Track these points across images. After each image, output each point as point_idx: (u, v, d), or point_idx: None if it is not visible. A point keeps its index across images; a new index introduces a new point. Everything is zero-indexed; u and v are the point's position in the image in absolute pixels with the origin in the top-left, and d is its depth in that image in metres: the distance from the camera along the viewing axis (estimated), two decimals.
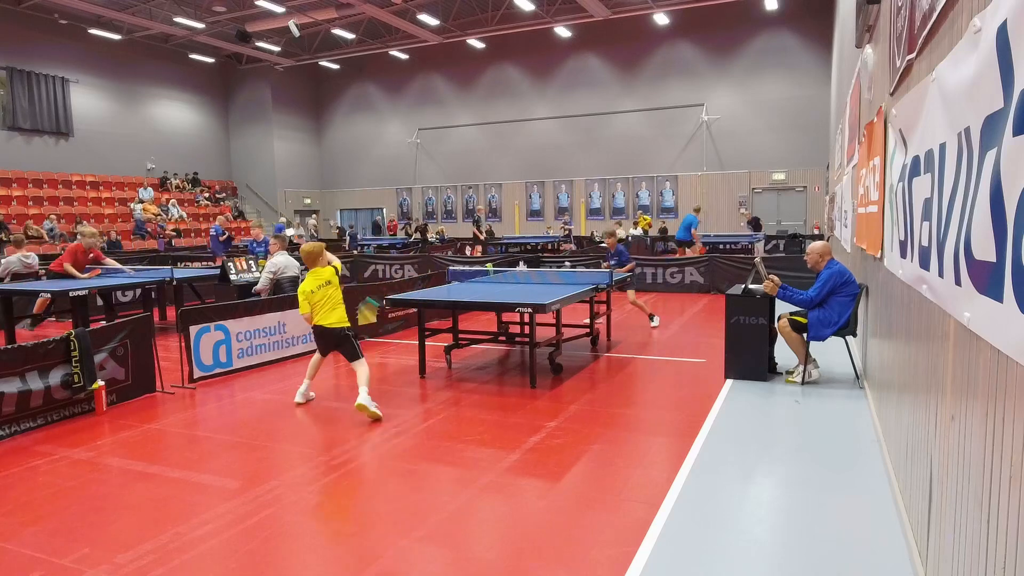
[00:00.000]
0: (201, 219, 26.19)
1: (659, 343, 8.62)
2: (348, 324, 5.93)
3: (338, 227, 29.29)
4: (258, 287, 8.47)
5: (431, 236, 23.45)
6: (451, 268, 10.01)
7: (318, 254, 5.96)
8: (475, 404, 6.00)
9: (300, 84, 30.99)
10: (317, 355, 6.17)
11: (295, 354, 8.16)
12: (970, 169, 1.91)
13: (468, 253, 19.32)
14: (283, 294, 8.39)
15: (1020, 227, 1.47)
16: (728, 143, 24.70)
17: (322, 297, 5.83)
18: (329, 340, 5.92)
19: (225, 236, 15.64)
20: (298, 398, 6.11)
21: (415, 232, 25.01)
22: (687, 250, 16.71)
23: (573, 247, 20.43)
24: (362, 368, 5.84)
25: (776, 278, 6.29)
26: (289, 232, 22.32)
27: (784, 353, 6.79)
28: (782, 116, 23.78)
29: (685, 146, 25.44)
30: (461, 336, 7.85)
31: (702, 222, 24.49)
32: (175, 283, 9.89)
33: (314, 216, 30.95)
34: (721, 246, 18.89)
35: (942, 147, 2.31)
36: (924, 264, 2.64)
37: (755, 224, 20.95)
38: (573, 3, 22.26)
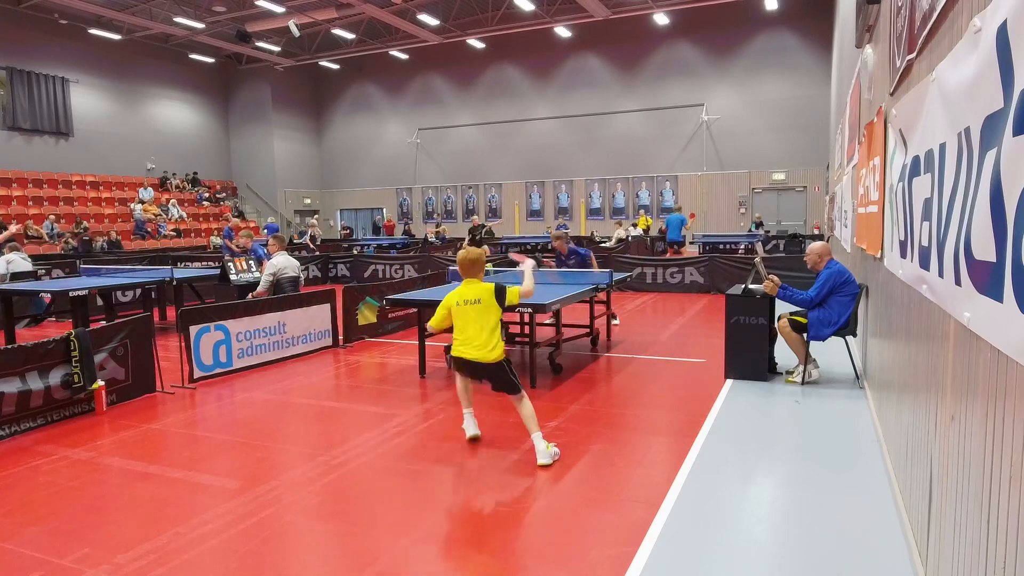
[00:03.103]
0: (201, 219, 26.19)
1: (659, 343, 8.62)
2: (503, 355, 4.64)
3: (345, 227, 29.19)
4: (258, 291, 8.46)
5: (431, 236, 23.40)
6: (451, 268, 10.00)
7: (476, 265, 4.74)
8: (475, 404, 5.98)
9: (300, 84, 31.00)
10: (460, 380, 5.01)
11: (295, 354, 8.16)
12: (970, 169, 1.91)
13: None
14: (283, 294, 8.39)
15: (1020, 227, 1.47)
16: (728, 143, 24.71)
17: (466, 317, 4.61)
18: (477, 372, 4.77)
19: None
20: (471, 430, 4.98)
21: (474, 233, 21.28)
22: (676, 250, 16.73)
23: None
24: (524, 406, 4.63)
25: (776, 278, 6.29)
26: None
27: (784, 353, 6.79)
28: (782, 116, 23.79)
29: (685, 146, 25.45)
30: None
31: (701, 222, 24.63)
32: (175, 283, 9.89)
33: (315, 216, 30.94)
34: (721, 246, 18.89)
35: (942, 147, 2.31)
36: (924, 264, 2.64)
37: (759, 225, 21.02)
38: (573, 3, 22.26)
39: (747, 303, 6.47)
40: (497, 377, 4.66)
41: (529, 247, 19.34)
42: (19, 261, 10.67)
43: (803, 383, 6.28)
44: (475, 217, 24.60)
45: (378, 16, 22.59)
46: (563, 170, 27.59)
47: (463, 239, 22.05)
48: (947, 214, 2.18)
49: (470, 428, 4.99)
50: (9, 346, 5.50)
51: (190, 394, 6.58)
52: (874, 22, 5.63)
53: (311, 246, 21.22)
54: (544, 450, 4.51)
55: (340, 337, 8.90)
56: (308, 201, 31.68)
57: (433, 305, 7.53)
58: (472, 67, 28.41)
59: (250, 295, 8.48)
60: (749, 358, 6.48)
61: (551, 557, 3.29)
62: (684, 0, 21.85)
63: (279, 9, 21.77)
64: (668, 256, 16.44)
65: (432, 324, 4.85)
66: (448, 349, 7.56)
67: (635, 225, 22.81)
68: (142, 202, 24.37)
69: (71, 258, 15.86)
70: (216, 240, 22.73)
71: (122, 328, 6.35)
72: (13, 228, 10.32)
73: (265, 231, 23.79)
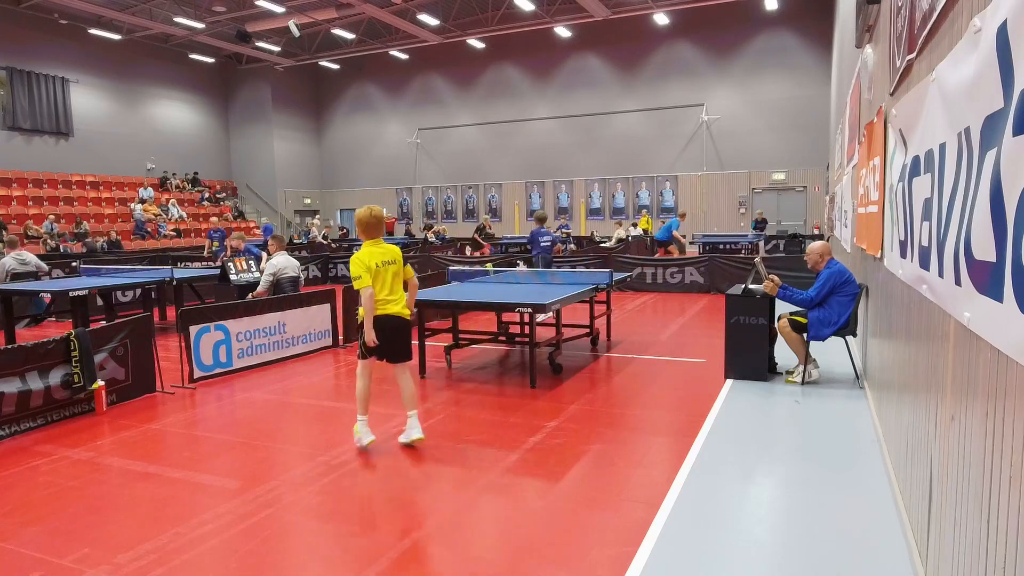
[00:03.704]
0: (201, 219, 26.21)
1: (659, 343, 8.62)
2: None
3: (342, 228, 29.22)
4: (257, 291, 8.45)
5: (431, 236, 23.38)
6: (451, 268, 10.01)
7: (381, 223, 4.75)
8: (475, 404, 6.00)
9: (300, 84, 31.00)
10: (365, 379, 4.82)
11: (295, 354, 8.16)
12: (970, 169, 1.91)
13: (468, 254, 19.30)
14: (283, 294, 8.39)
15: (1020, 227, 1.47)
16: (728, 143, 24.71)
17: (386, 276, 4.65)
18: (393, 336, 4.71)
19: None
20: (365, 440, 4.81)
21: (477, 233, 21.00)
22: (666, 250, 16.92)
23: (573, 247, 20.41)
24: (410, 380, 4.89)
25: (776, 278, 6.30)
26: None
27: (784, 353, 6.79)
28: (782, 116, 23.79)
29: (685, 146, 25.45)
30: (461, 336, 7.85)
31: (701, 222, 24.66)
32: (175, 283, 9.89)
33: (316, 216, 30.96)
34: (721, 246, 18.90)
35: (942, 147, 2.31)
36: (924, 264, 2.64)
37: (760, 224, 20.99)
38: (573, 3, 22.26)
39: (747, 303, 6.47)
40: (407, 336, 4.85)
41: (529, 247, 19.31)
42: (17, 265, 10.64)
43: (803, 383, 6.28)
44: (485, 218, 24.53)
45: (378, 16, 22.59)
46: (563, 170, 27.59)
47: (462, 239, 22.05)
48: (947, 214, 2.18)
49: (368, 434, 4.84)
50: (9, 346, 5.50)
51: (190, 394, 6.58)
52: (874, 22, 5.63)
53: (323, 242, 21.71)
54: (419, 427, 4.84)
55: (340, 337, 8.90)
56: (308, 201, 31.68)
57: (434, 305, 7.61)
58: (472, 67, 28.41)
59: (250, 295, 8.47)
60: (749, 358, 6.48)
61: (551, 557, 3.29)
62: (684, 0, 21.86)
63: (279, 9, 21.77)
64: (660, 255, 16.51)
65: (364, 284, 4.55)
66: (448, 349, 7.60)
67: (635, 225, 22.82)
68: (142, 202, 24.38)
69: (71, 258, 15.85)
70: (234, 240, 22.79)
71: (122, 328, 6.35)
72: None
73: (261, 232, 23.91)
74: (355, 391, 4.89)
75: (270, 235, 9.43)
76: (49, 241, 19.33)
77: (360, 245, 4.83)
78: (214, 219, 23.86)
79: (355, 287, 4.62)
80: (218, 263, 11.67)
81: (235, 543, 3.50)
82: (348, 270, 18.33)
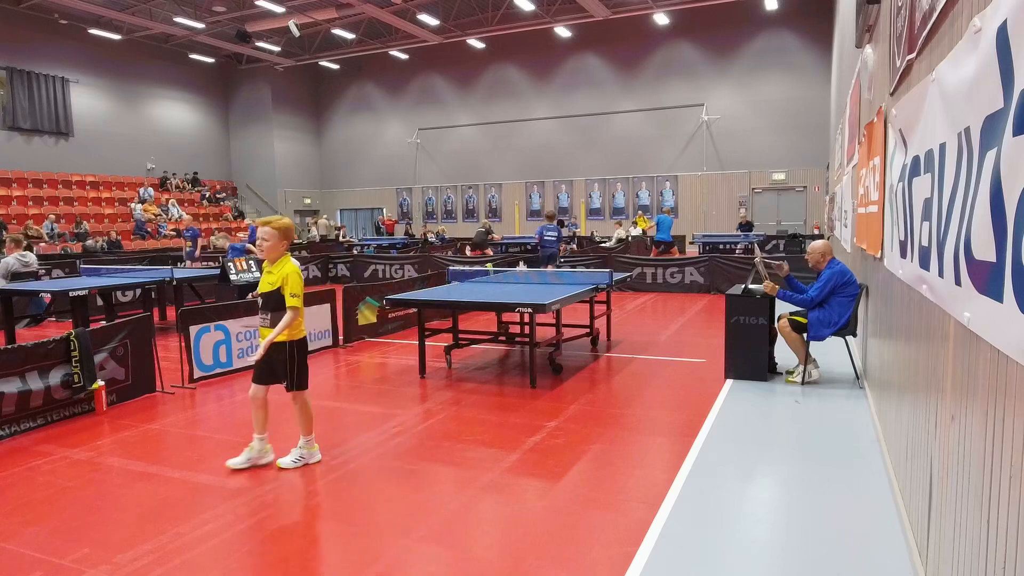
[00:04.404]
0: (201, 219, 26.20)
1: (659, 343, 8.62)
2: None
3: (337, 226, 29.27)
4: (258, 291, 8.44)
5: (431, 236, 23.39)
6: (451, 268, 10.00)
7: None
8: (475, 404, 6.00)
9: (300, 84, 31.01)
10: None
11: None
12: (970, 169, 1.91)
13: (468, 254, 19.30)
14: None
15: (1020, 227, 1.47)
16: (728, 143, 24.72)
17: None
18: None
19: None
20: (316, 457, 4.66)
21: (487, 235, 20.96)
22: (670, 250, 16.84)
23: (574, 247, 20.41)
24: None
25: (786, 265, 6.45)
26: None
27: (784, 353, 6.79)
28: (782, 116, 23.79)
29: (685, 146, 25.46)
30: (461, 336, 7.85)
31: (701, 222, 24.63)
32: (175, 283, 9.89)
33: (324, 217, 30.91)
34: (721, 246, 18.90)
35: (942, 147, 2.31)
36: (924, 264, 2.64)
37: (746, 227, 20.97)
38: (573, 3, 22.27)
39: (747, 303, 6.47)
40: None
41: (529, 247, 19.32)
42: (20, 265, 10.63)
43: (803, 383, 6.28)
44: (484, 221, 24.62)
45: (378, 16, 22.60)
46: (563, 170, 27.59)
47: (462, 240, 22.05)
48: (947, 214, 2.18)
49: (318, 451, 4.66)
50: (9, 346, 5.49)
51: (190, 394, 6.58)
52: (874, 22, 5.64)
53: (341, 241, 22.66)
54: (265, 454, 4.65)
55: (340, 337, 8.90)
56: (308, 201, 31.69)
57: (434, 305, 7.60)
58: (472, 67, 28.42)
59: (250, 295, 8.46)
60: (749, 358, 6.48)
61: (551, 557, 3.29)
62: (684, 0, 21.86)
63: (279, 9, 21.78)
64: (654, 255, 16.45)
65: (301, 303, 4.43)
66: (448, 349, 7.60)
67: (635, 224, 22.82)
68: (142, 202, 24.38)
69: (71, 258, 15.85)
70: (216, 240, 22.79)
71: (122, 328, 6.35)
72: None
73: (248, 233, 24.02)
74: (307, 414, 4.64)
75: (256, 236, 9.43)
76: (23, 241, 19.22)
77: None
78: (187, 218, 23.84)
79: (296, 305, 4.41)
80: (190, 265, 11.78)
81: (235, 543, 3.50)
82: (347, 270, 18.18)
